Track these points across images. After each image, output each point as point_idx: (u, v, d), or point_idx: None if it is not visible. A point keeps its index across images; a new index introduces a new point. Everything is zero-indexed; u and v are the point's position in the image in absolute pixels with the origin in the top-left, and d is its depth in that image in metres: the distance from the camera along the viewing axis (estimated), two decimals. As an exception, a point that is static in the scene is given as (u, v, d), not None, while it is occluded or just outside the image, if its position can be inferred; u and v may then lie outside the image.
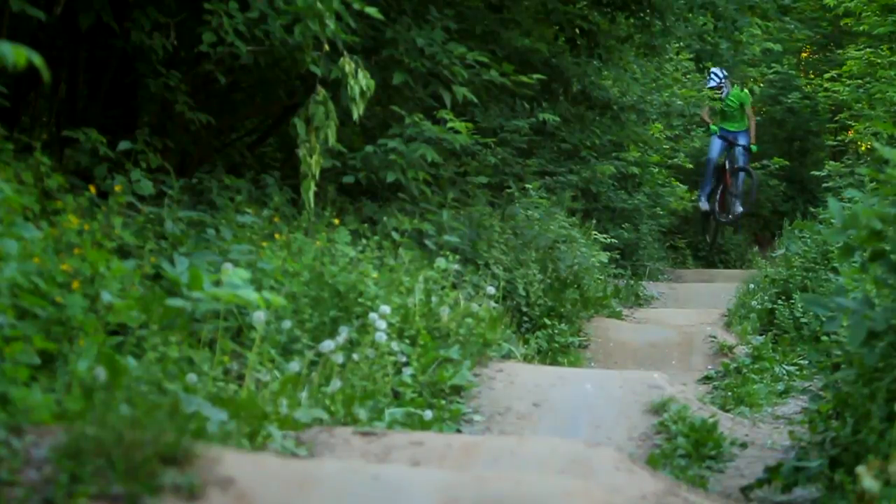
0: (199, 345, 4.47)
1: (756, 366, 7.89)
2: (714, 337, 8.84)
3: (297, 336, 5.44)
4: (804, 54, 21.24)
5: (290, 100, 7.83)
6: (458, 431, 5.60)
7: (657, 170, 16.28)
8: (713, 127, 13.99)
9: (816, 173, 14.88)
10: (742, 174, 14.00)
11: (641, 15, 11.04)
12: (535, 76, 9.16)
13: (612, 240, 13.15)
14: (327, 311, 5.82)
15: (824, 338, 6.34)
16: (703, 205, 14.31)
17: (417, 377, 5.86)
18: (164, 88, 6.84)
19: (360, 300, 5.93)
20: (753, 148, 13.91)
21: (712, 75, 13.82)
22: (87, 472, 2.81)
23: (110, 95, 7.18)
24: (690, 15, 12.01)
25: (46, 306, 4.00)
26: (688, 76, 17.13)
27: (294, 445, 4.30)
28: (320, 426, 4.59)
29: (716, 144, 14.21)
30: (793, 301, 9.09)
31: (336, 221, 6.95)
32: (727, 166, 14.09)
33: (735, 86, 14.21)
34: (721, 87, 13.75)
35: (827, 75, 17.15)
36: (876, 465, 3.42)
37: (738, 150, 13.97)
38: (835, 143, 17.55)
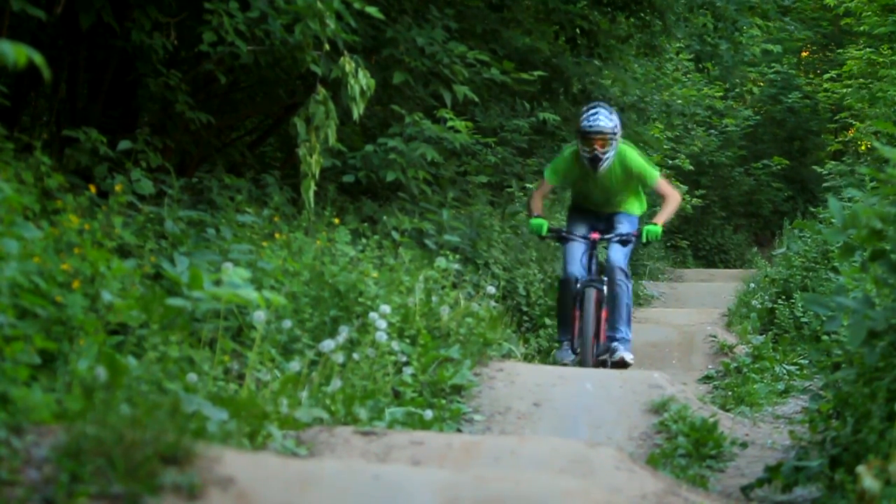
0: (200, 344, 4.47)
1: (756, 365, 7.89)
2: (714, 336, 8.85)
3: (298, 335, 5.44)
4: (804, 54, 21.26)
5: (291, 99, 7.84)
6: (459, 431, 5.60)
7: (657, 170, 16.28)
8: (535, 222, 7.32)
9: (817, 169, 14.90)
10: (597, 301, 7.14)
11: (642, 15, 11.04)
12: (536, 73, 9.17)
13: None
14: (327, 311, 5.82)
15: (825, 337, 6.35)
16: (564, 356, 7.31)
17: (418, 377, 5.86)
18: (164, 88, 6.85)
19: (360, 300, 5.93)
20: (654, 231, 7.19)
21: (600, 114, 7.16)
22: (88, 471, 2.81)
23: (111, 95, 7.18)
24: (690, 15, 12.02)
25: (47, 306, 4.00)
26: (688, 76, 17.15)
27: (294, 445, 4.30)
28: (321, 426, 4.59)
29: (571, 249, 7.34)
30: (793, 300, 9.10)
31: (336, 221, 6.95)
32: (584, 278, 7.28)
33: (623, 143, 7.34)
34: (611, 139, 7.10)
35: (827, 76, 17.17)
36: (876, 464, 3.42)
37: (611, 258, 7.29)
38: (836, 142, 17.59)
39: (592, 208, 7.48)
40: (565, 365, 7.09)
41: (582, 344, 6.99)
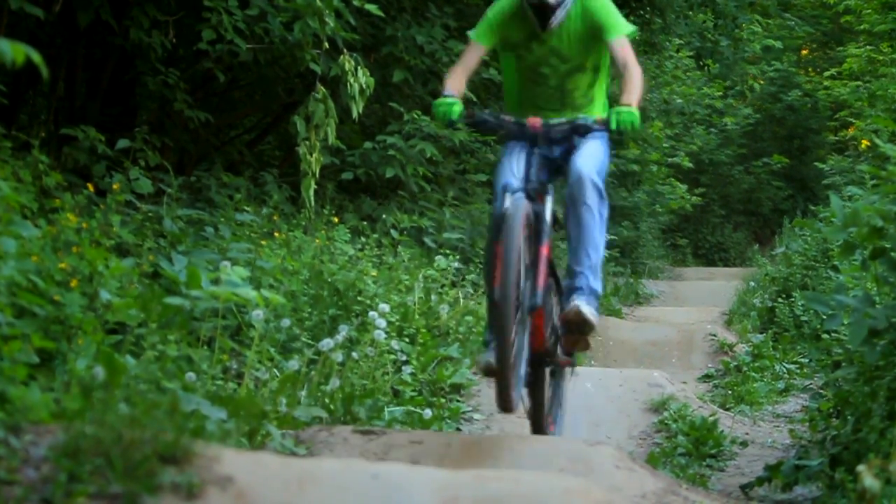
0: (198, 343, 4.46)
1: (756, 364, 7.88)
2: (714, 335, 8.83)
3: (297, 334, 5.44)
4: (804, 52, 21.25)
5: (290, 97, 7.84)
6: (458, 430, 5.60)
7: (657, 168, 16.31)
8: (443, 103, 4.50)
9: (819, 165, 14.88)
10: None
11: (641, 12, 11.04)
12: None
13: (612, 237, 13.17)
14: (326, 310, 5.82)
15: (825, 336, 6.34)
16: (487, 357, 4.30)
17: (417, 375, 5.85)
18: (162, 86, 6.84)
19: (359, 298, 5.93)
20: (629, 114, 4.41)
21: None
22: (86, 471, 2.80)
23: (109, 93, 7.17)
24: (691, 12, 12.01)
25: (45, 305, 3.99)
26: (688, 74, 17.15)
27: (293, 444, 4.30)
28: (319, 425, 4.58)
29: (505, 165, 4.58)
30: (793, 299, 9.08)
31: (335, 220, 6.95)
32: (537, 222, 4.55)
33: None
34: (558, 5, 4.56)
35: (827, 73, 17.16)
36: (877, 463, 3.41)
37: (575, 163, 4.62)
38: (835, 139, 17.58)
39: (535, 104, 4.77)
40: (485, 369, 4.30)
41: (501, 300, 3.97)
